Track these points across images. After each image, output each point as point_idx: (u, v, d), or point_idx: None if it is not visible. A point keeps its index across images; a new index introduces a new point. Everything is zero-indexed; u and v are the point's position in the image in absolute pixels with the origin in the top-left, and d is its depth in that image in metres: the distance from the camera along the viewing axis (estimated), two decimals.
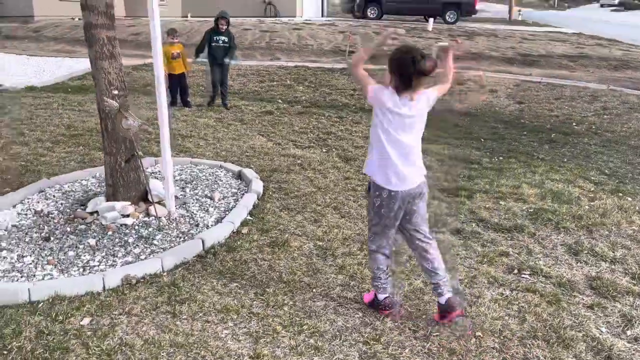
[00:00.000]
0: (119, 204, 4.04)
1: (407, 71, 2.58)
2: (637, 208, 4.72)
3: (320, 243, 3.86)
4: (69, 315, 2.84)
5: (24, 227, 3.89)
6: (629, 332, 2.93)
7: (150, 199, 4.05)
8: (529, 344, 2.78)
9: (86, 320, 2.81)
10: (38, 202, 4.36)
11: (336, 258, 3.64)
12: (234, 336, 2.76)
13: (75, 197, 4.47)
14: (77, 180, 4.89)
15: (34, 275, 3.24)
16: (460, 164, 5.98)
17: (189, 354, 2.59)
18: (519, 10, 35.05)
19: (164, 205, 4.19)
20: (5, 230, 3.83)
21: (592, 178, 5.59)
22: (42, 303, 2.94)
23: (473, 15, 27.28)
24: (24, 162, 5.48)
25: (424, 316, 3.00)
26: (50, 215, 4.11)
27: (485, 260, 3.69)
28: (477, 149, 6.73)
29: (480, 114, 9.17)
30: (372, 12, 26.31)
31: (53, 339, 2.66)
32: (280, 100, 9.61)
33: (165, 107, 3.97)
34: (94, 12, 3.76)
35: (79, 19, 20.02)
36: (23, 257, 3.46)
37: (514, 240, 4.04)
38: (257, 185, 4.83)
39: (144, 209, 4.09)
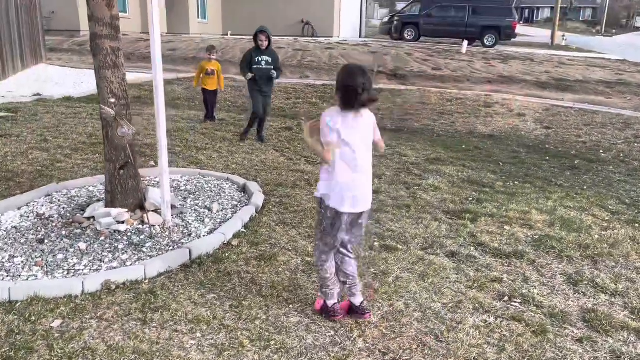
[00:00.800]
0: (115, 211, 4.10)
1: (349, 101, 2.71)
2: None
3: (309, 259, 3.81)
4: (42, 316, 2.88)
5: (22, 229, 4.00)
6: None
7: (145, 207, 4.10)
8: None
9: (57, 323, 2.84)
10: (42, 206, 4.48)
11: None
12: (199, 347, 2.74)
13: (79, 203, 4.57)
14: (85, 186, 5.01)
15: (20, 276, 3.31)
16: (472, 186, 5.84)
17: None
18: (563, 35, 34.43)
19: (160, 213, 4.23)
20: (4, 231, 3.94)
21: (610, 207, 5.36)
22: (19, 303, 3.00)
23: (512, 39, 26.92)
24: (40, 167, 5.66)
25: (397, 339, 2.90)
26: (50, 219, 4.21)
27: (475, 285, 3.56)
28: (493, 172, 6.57)
29: (504, 137, 8.99)
30: (410, 34, 26.33)
31: (21, 338, 2.69)
32: (303, 118, 9.65)
33: (163, 117, 4.02)
34: (100, 24, 3.88)
35: (123, 34, 20.83)
36: (14, 257, 3.55)
37: (511, 267, 3.89)
38: (258, 199, 4.84)
39: (139, 217, 4.14)
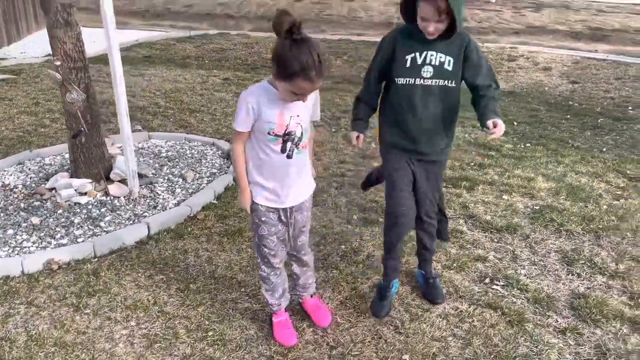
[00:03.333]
0: (77, 181, 3.88)
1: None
2: None
3: None
4: None
5: None
6: None
7: (110, 178, 3.85)
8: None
9: None
10: (11, 175, 4.30)
11: None
12: (129, 338, 2.51)
13: (49, 172, 4.37)
14: (61, 153, 4.80)
15: None
16: (478, 149, 5.38)
17: (67, 356, 2.36)
18: None
19: (127, 184, 3.98)
20: None
21: (628, 172, 4.84)
22: None
23: None
24: (22, 133, 5.49)
25: (351, 329, 2.61)
26: (14, 189, 4.02)
27: (455, 265, 3.21)
28: (505, 133, 6.05)
29: (525, 93, 8.35)
30: None
31: None
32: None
33: (121, 77, 3.70)
34: None
35: None
36: None
37: (501, 243, 3.51)
38: None
39: (103, 188, 3.91)
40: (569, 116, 6.96)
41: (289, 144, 2.20)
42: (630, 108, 7.36)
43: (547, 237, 3.61)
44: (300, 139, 2.23)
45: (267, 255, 2.41)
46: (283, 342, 2.48)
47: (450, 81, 2.40)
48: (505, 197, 4.22)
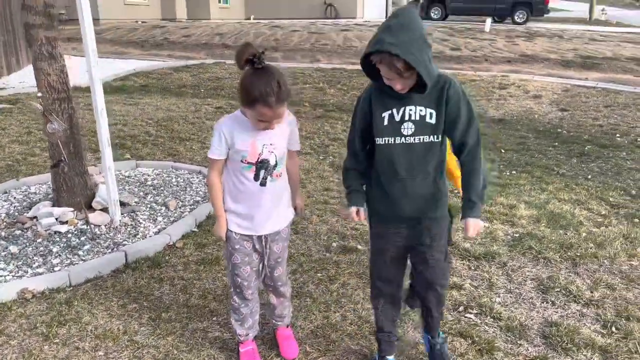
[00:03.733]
0: (58, 210, 3.92)
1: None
2: None
3: None
4: None
5: None
6: None
7: (92, 206, 3.89)
8: None
9: None
10: None
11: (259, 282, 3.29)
12: None
13: (34, 200, 4.41)
14: (47, 182, 4.85)
15: None
16: None
17: None
18: (603, 9, 32.76)
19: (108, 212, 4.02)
20: None
21: (611, 199, 4.87)
22: None
23: (545, 15, 25.69)
24: (11, 162, 5.55)
25: (320, 358, 2.60)
26: None
27: None
28: (491, 160, 6.11)
29: (515, 121, 8.43)
30: (435, 12, 25.47)
31: None
32: (306, 104, 9.36)
33: (103, 110, 3.77)
34: (31, 12, 3.64)
35: (142, 22, 20.80)
36: None
37: (478, 271, 3.52)
38: None
39: (84, 216, 3.94)
40: (556, 143, 7.02)
41: (262, 172, 2.24)
42: (617, 135, 7.42)
43: (525, 264, 3.62)
44: (274, 167, 2.27)
45: (240, 285, 2.42)
46: None
47: (434, 136, 2.13)
48: (486, 224, 4.24)
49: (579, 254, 3.72)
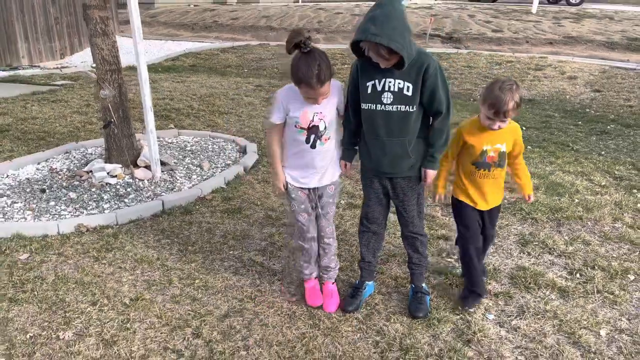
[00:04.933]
0: (109, 166, 4.59)
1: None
2: (639, 206, 4.30)
3: (271, 213, 4.09)
4: (15, 250, 3.41)
5: (33, 180, 4.59)
6: (513, 322, 2.82)
7: (130, 164, 4.54)
8: (392, 319, 2.81)
9: (24, 256, 3.35)
10: (58, 161, 5.07)
11: (273, 227, 3.85)
12: (134, 281, 3.13)
13: (90, 159, 5.12)
14: (100, 145, 5.55)
15: (12, 218, 3.87)
16: None
17: (84, 291, 3.01)
18: None
19: (151, 169, 4.66)
20: (17, 182, 4.56)
21: (616, 172, 5.12)
22: (2, 239, 3.54)
23: None
24: (72, 129, 6.32)
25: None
26: (60, 172, 4.78)
27: None
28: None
29: (545, 101, 8.60)
30: None
31: None
32: (343, 82, 9.79)
33: (146, 81, 4.37)
34: None
35: (194, 5, 21.65)
36: (15, 203, 4.13)
37: None
38: (249, 159, 5.15)
39: (130, 172, 4.60)
40: (580, 122, 7.20)
41: (312, 136, 2.65)
42: None
43: (512, 223, 4.00)
44: (323, 132, 2.64)
45: (300, 228, 2.87)
46: (311, 303, 2.91)
47: (410, 106, 2.50)
48: None
49: (565, 216, 4.07)
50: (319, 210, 2.86)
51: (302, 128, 2.63)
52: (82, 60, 12.63)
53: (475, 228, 2.90)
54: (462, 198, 2.91)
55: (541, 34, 13.65)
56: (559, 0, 24.12)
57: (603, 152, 5.82)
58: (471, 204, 2.89)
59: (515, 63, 10.96)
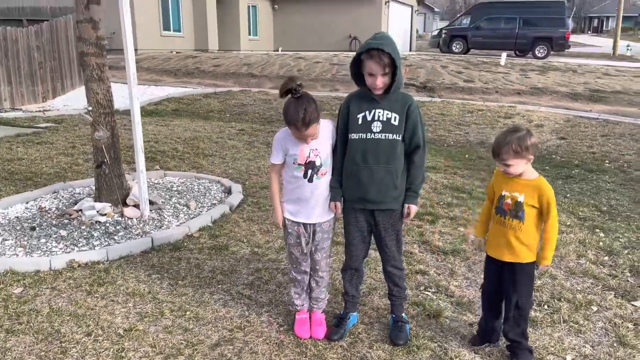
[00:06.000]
0: (99, 204, 4.74)
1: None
2: (600, 244, 4.60)
3: (257, 249, 4.27)
4: (9, 284, 3.51)
5: (22, 219, 4.70)
6: (487, 349, 3.02)
7: (126, 203, 4.70)
8: (374, 346, 2.99)
9: (18, 290, 3.45)
10: (47, 200, 5.20)
11: (259, 262, 4.03)
12: (126, 314, 3.25)
13: (78, 199, 5.25)
14: (88, 185, 5.70)
15: (4, 254, 3.98)
16: (451, 192, 6.08)
17: (79, 322, 3.13)
18: (628, 45, 33.11)
19: (139, 208, 4.82)
20: (7, 220, 4.66)
21: (580, 213, 5.46)
22: None
23: (567, 50, 26.26)
24: (59, 170, 6.46)
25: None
26: (49, 211, 4.90)
27: None
28: (482, 179, 6.76)
29: None
30: (457, 46, 26.32)
31: None
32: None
33: (139, 124, 4.59)
34: (86, 43, 4.54)
35: (177, 52, 22.20)
36: (5, 240, 4.24)
37: (444, 262, 4.17)
38: (234, 199, 5.35)
39: (120, 210, 4.75)
40: (547, 167, 7.61)
41: (309, 171, 2.89)
42: (607, 162, 7.98)
43: (484, 259, 4.25)
44: (319, 167, 2.88)
45: (294, 261, 3.05)
46: (299, 335, 3.05)
47: (396, 135, 2.80)
48: (461, 229, 4.89)
49: None
50: (314, 244, 3.03)
51: (299, 164, 2.87)
52: (64, 103, 12.82)
53: (490, 279, 2.99)
54: (486, 246, 3.00)
55: (509, 84, 14.37)
56: (526, 53, 25.44)
57: (568, 195, 6.18)
58: (486, 249, 2.97)
59: (486, 111, 11.52)
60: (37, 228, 4.48)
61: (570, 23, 27.35)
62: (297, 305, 3.16)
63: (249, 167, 6.90)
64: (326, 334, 3.07)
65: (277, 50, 26.61)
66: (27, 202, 5.14)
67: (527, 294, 2.87)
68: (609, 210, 5.63)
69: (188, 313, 3.27)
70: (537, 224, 2.76)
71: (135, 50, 21.92)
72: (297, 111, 2.66)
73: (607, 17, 70.75)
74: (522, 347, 2.92)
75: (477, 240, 3.11)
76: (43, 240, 4.24)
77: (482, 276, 3.89)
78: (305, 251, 3.04)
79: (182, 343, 2.97)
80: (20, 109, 12.01)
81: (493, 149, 2.71)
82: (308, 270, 3.10)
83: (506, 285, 2.88)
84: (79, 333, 3.03)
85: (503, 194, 2.78)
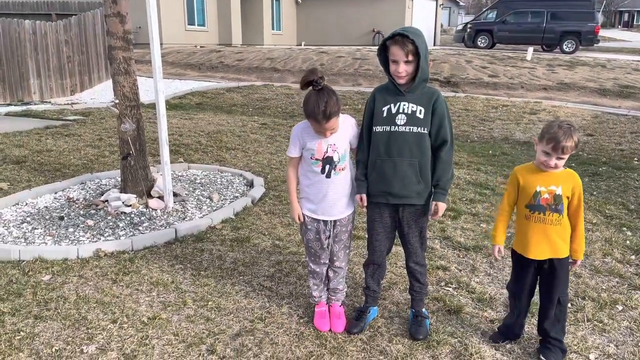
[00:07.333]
0: (125, 195, 4.83)
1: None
2: (627, 243, 4.52)
3: (278, 242, 4.30)
4: (37, 272, 3.61)
5: (51, 209, 4.82)
6: (508, 346, 3.00)
7: (150, 194, 4.78)
8: (394, 340, 2.99)
9: (47, 277, 3.55)
10: (75, 191, 5.31)
11: (280, 255, 4.06)
12: (150, 302, 3.32)
13: (104, 189, 5.36)
14: (114, 177, 5.81)
15: (33, 242, 4.09)
16: (474, 188, 6.03)
17: (104, 310, 3.20)
18: None
19: (163, 200, 4.90)
20: (36, 210, 4.78)
21: (607, 211, 5.37)
22: (25, 262, 3.75)
23: (595, 44, 25.67)
24: (86, 161, 6.59)
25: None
26: (76, 201, 5.01)
27: None
28: (505, 176, 6.68)
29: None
30: (483, 41, 25.96)
31: (16, 286, 3.42)
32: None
33: (164, 117, 4.66)
34: (114, 37, 4.61)
35: (200, 46, 22.38)
36: (35, 229, 4.35)
37: (466, 258, 4.15)
38: (256, 192, 5.39)
39: (144, 202, 4.83)
40: (573, 164, 7.47)
41: (327, 166, 2.87)
42: (635, 159, 7.80)
43: (508, 256, 4.17)
44: (337, 163, 2.85)
45: (313, 255, 3.08)
46: (318, 327, 3.05)
47: (422, 128, 2.74)
48: (483, 225, 4.85)
49: None
50: (333, 237, 3.03)
51: (317, 159, 2.86)
52: (91, 97, 13.05)
53: (524, 280, 2.87)
54: (515, 247, 2.88)
55: (535, 80, 14.15)
56: (553, 48, 24.98)
57: (595, 193, 6.07)
58: (521, 252, 2.82)
59: (511, 107, 11.37)
60: (65, 218, 4.59)
61: (599, 17, 26.72)
62: (315, 297, 3.18)
63: (271, 160, 6.94)
64: (346, 327, 3.09)
65: (300, 45, 26.63)
66: (55, 193, 5.26)
67: (566, 288, 2.84)
68: (637, 208, 5.52)
69: (210, 303, 3.32)
70: (568, 215, 2.71)
71: (161, 44, 22.20)
72: (318, 103, 2.63)
73: (638, 12, 68.99)
74: (561, 346, 2.87)
75: (496, 249, 2.94)
76: (71, 230, 4.34)
77: (505, 273, 3.88)
78: (324, 246, 3.04)
79: (204, 332, 3.02)
80: (49, 102, 12.28)
81: (556, 142, 2.53)
82: (327, 262, 3.11)
83: (545, 283, 2.81)
84: (104, 320, 3.10)
85: (538, 189, 2.68)
